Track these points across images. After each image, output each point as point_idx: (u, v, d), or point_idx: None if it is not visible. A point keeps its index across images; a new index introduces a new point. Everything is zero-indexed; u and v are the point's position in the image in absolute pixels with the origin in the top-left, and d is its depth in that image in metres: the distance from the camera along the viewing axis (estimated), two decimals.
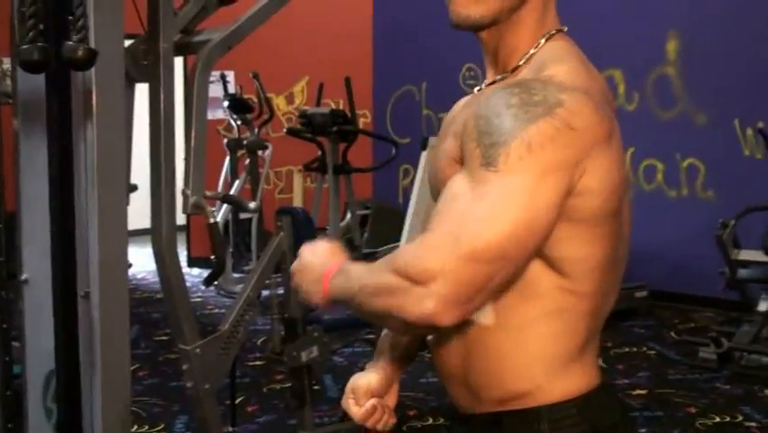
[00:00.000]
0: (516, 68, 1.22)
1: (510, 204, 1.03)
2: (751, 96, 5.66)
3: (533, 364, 1.17)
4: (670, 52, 6.09)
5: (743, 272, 4.83)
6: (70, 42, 1.68)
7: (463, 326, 1.15)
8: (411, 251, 1.04)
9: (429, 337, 1.29)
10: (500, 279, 1.04)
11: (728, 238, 4.89)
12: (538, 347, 1.16)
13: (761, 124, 5.50)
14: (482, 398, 1.20)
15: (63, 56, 1.68)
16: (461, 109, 1.32)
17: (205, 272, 7.17)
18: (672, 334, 5.26)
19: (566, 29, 1.25)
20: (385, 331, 1.41)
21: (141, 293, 6.69)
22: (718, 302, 5.63)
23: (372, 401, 1.32)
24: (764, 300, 4.59)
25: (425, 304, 0.99)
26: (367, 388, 1.34)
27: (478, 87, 1.30)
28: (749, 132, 5.71)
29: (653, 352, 4.86)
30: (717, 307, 5.67)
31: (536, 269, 1.13)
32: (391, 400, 1.37)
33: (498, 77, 1.25)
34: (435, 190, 1.23)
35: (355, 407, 1.33)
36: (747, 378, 4.26)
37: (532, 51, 1.22)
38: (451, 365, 1.24)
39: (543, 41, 1.21)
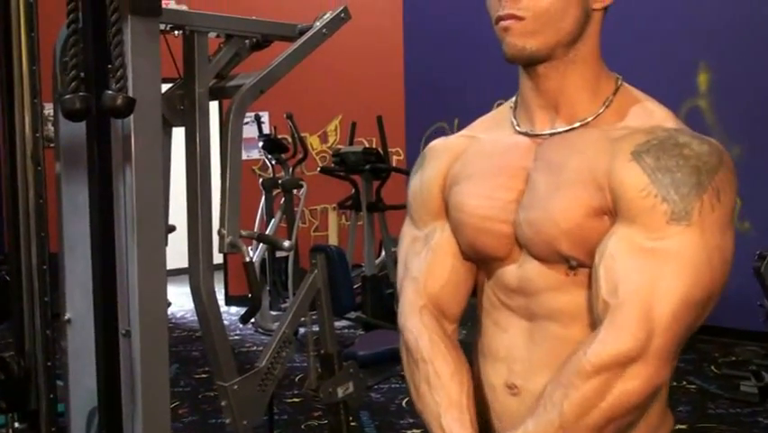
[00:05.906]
0: (598, 115, 1.18)
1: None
2: None
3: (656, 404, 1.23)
4: (701, 84, 6.08)
5: None
6: (110, 92, 1.73)
7: None
8: (600, 342, 1.06)
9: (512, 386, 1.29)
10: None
11: (766, 270, 4.82)
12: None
13: None
14: None
15: (103, 104, 1.74)
16: (504, 153, 1.24)
17: (243, 310, 7.25)
18: (713, 368, 5.18)
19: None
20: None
21: (181, 331, 6.77)
22: (760, 336, 5.55)
23: None
24: None
25: (644, 379, 1.07)
26: None
27: (519, 130, 1.24)
28: None
29: (693, 386, 4.79)
30: (758, 340, 5.58)
31: None
32: None
33: (568, 125, 1.18)
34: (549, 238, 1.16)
35: None
36: None
37: (610, 97, 1.18)
38: None
39: (615, 86, 1.20)
